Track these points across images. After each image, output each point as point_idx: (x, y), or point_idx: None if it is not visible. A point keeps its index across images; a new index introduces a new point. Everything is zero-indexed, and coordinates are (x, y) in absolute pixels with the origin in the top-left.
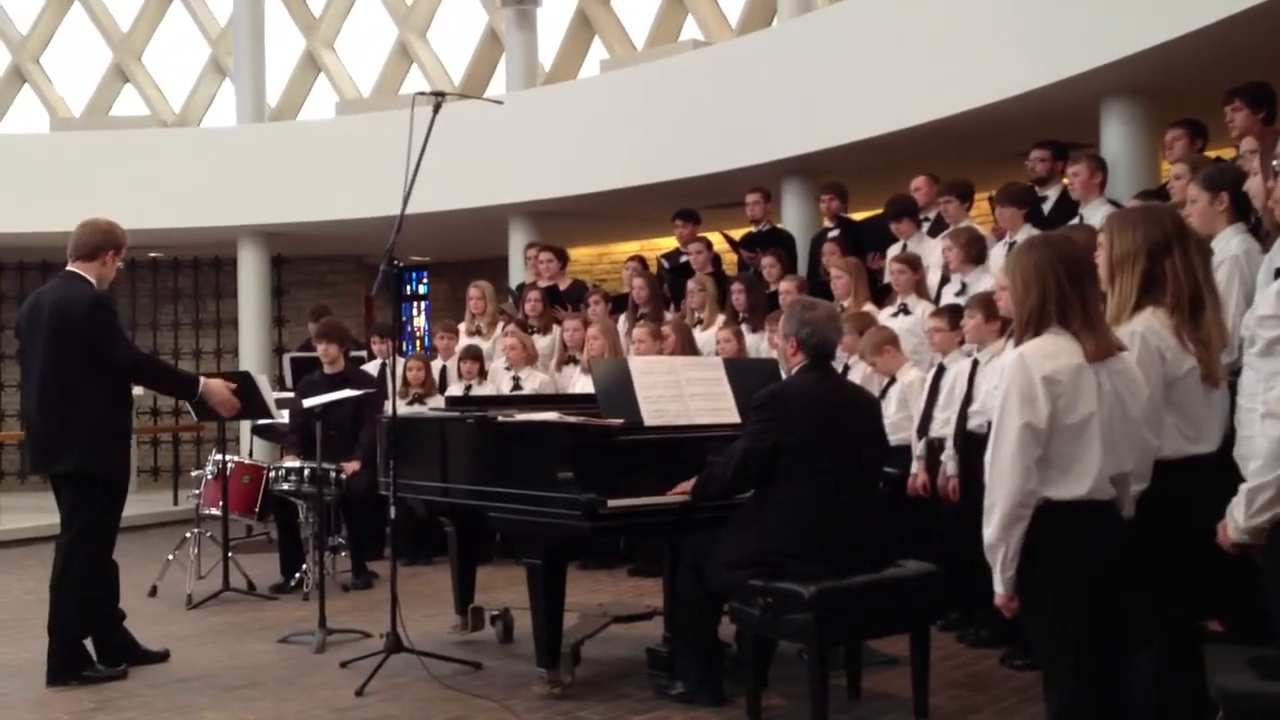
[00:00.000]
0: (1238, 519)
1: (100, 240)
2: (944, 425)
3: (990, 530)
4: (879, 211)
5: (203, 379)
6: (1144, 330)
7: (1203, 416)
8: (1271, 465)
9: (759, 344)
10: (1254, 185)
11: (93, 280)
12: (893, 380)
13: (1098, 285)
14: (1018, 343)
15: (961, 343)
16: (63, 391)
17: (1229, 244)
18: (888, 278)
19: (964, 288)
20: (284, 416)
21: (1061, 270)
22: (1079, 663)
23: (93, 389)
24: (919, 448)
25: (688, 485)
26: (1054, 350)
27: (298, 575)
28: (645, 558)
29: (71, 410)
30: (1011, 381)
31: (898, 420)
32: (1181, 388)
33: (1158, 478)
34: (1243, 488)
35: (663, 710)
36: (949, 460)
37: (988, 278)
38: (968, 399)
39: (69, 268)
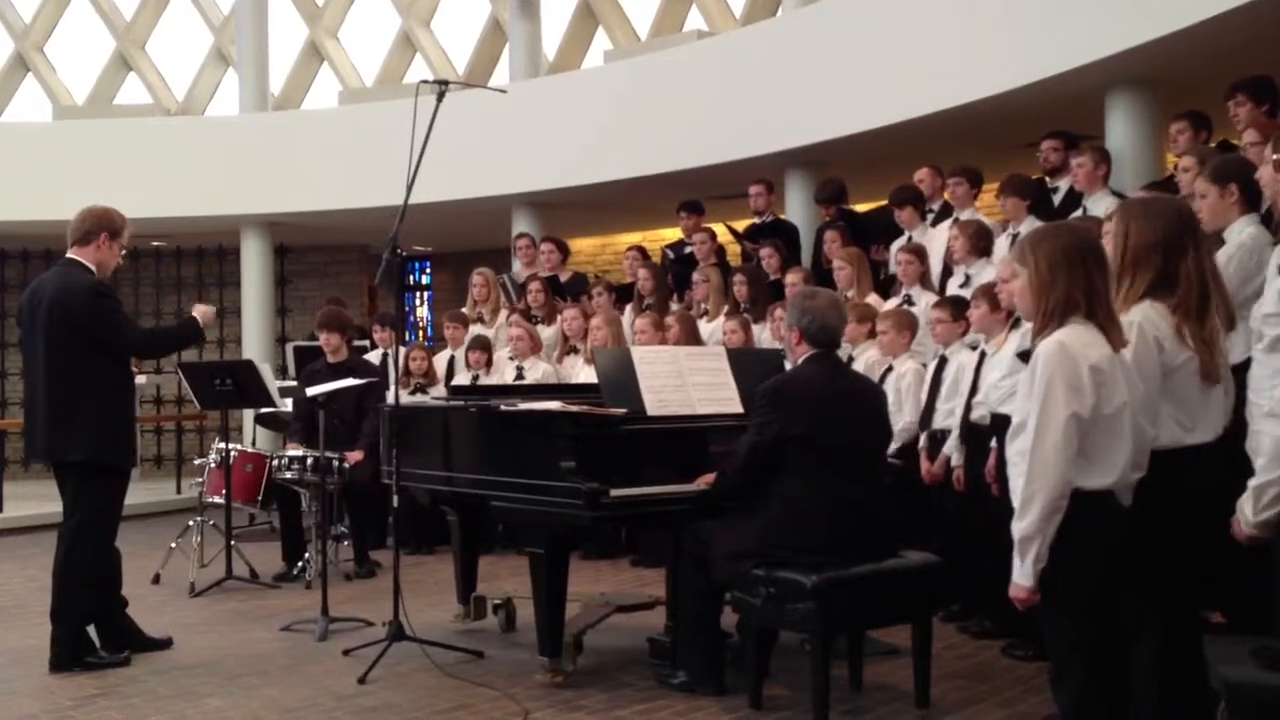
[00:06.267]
0: (1246, 514)
1: (93, 224)
2: (946, 417)
3: (1027, 521)
4: (882, 203)
5: (196, 314)
6: (1141, 320)
7: (1199, 407)
8: (1276, 463)
9: (760, 334)
10: (1265, 174)
11: (92, 267)
12: (889, 369)
13: (1109, 276)
14: (1038, 332)
15: (964, 334)
16: (66, 379)
17: (1241, 234)
18: (892, 269)
19: (968, 279)
20: (287, 405)
21: (1091, 259)
22: (1095, 653)
23: (95, 376)
24: (921, 439)
25: (710, 477)
26: (1090, 339)
27: (300, 564)
28: (647, 548)
29: (76, 398)
30: (1056, 370)
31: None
32: (1178, 378)
33: (1153, 467)
34: (1250, 484)
35: (664, 700)
36: (953, 451)
37: (990, 270)
38: (973, 390)
39: (68, 255)
